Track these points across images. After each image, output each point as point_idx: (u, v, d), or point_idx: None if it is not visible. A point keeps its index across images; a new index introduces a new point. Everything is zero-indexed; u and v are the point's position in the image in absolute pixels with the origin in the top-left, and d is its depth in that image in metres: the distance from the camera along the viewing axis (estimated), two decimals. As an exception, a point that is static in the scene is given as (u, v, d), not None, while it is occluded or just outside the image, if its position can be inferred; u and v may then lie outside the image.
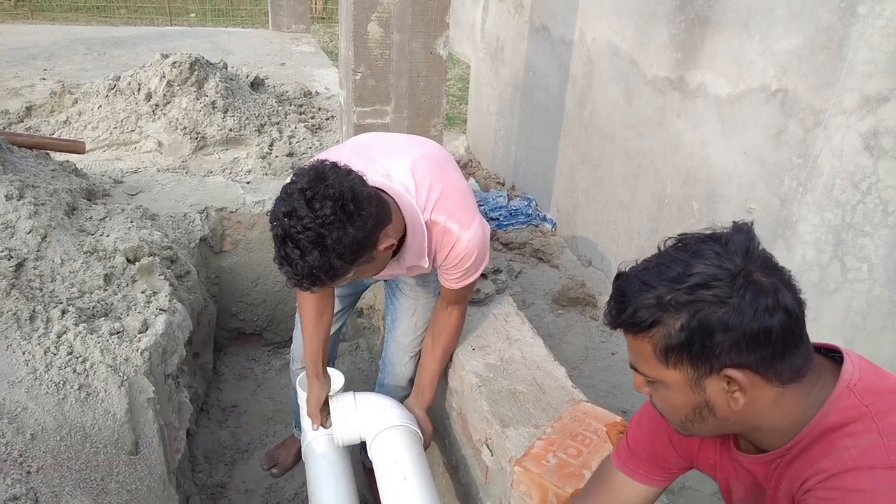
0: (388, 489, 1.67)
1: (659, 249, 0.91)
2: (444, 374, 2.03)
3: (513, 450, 1.56)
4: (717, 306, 0.82)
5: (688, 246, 0.88)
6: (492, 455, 1.69)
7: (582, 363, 2.87)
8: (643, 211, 2.91)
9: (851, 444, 0.83)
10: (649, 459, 1.14)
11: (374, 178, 1.45)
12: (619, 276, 0.91)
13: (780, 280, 0.85)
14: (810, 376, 0.89)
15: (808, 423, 0.88)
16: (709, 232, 0.89)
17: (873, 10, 1.81)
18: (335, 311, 2.00)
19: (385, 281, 2.06)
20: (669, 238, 0.91)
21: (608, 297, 0.92)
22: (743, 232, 0.87)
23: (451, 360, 1.96)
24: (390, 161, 1.58)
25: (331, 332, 2.09)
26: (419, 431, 1.81)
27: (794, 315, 0.84)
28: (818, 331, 2.09)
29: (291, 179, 1.33)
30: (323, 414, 1.86)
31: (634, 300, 0.87)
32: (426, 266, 1.62)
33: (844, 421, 0.85)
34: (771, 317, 0.82)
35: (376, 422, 1.79)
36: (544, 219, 3.81)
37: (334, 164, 1.34)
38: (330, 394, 1.97)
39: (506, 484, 1.58)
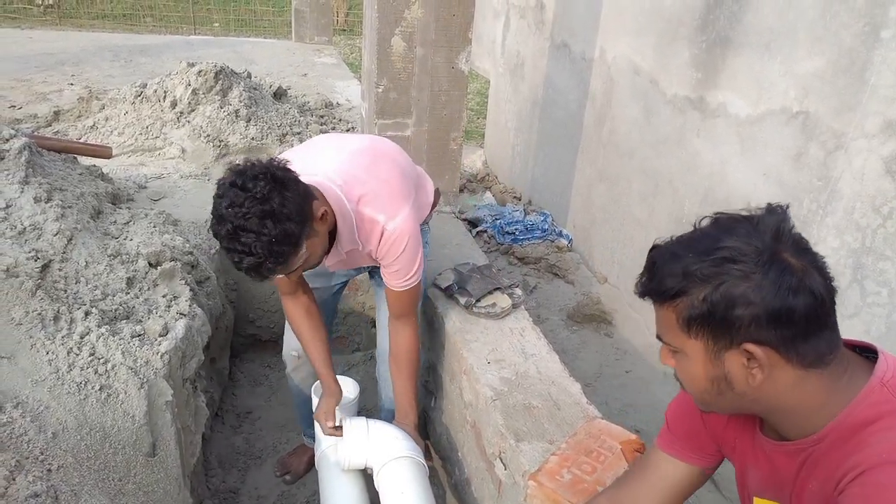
0: None
1: (694, 227, 0.92)
2: (458, 388, 2.04)
3: (527, 464, 1.56)
4: (740, 280, 0.83)
5: (720, 223, 0.90)
6: (505, 469, 1.69)
7: (596, 380, 2.86)
8: (660, 229, 2.91)
9: (883, 438, 0.82)
10: (684, 436, 1.15)
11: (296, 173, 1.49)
12: (653, 248, 0.93)
13: (811, 263, 0.85)
14: (836, 366, 0.88)
15: (836, 417, 0.87)
16: (745, 213, 0.91)
17: (897, 35, 1.82)
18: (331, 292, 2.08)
19: (370, 276, 2.12)
20: (705, 217, 0.93)
21: (639, 272, 0.94)
22: (776, 213, 0.89)
23: (465, 374, 1.97)
24: (323, 157, 1.65)
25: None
26: (425, 464, 1.82)
27: (821, 299, 0.84)
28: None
29: (216, 186, 1.39)
30: (332, 422, 1.89)
31: (662, 270, 0.89)
32: (361, 249, 1.67)
33: (877, 415, 0.84)
34: (794, 297, 0.82)
35: (385, 451, 1.80)
36: (560, 234, 3.81)
37: (246, 158, 1.43)
38: (342, 403, 1.98)
39: (519, 498, 1.58)
